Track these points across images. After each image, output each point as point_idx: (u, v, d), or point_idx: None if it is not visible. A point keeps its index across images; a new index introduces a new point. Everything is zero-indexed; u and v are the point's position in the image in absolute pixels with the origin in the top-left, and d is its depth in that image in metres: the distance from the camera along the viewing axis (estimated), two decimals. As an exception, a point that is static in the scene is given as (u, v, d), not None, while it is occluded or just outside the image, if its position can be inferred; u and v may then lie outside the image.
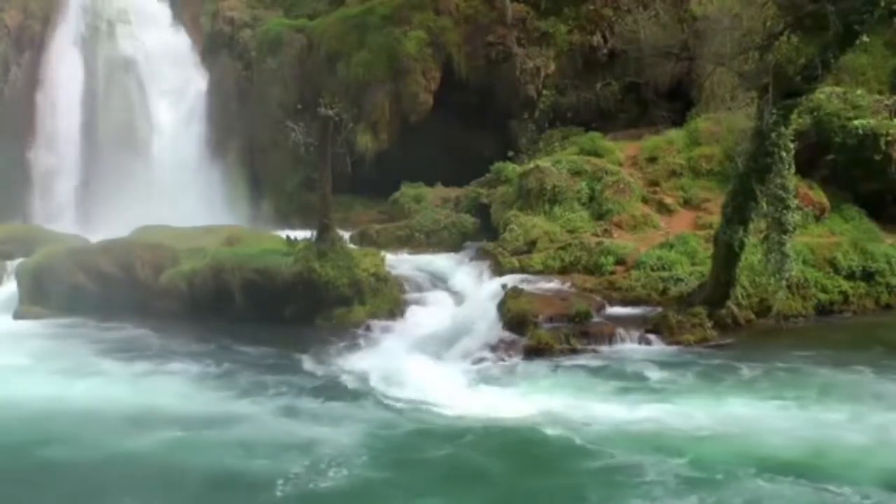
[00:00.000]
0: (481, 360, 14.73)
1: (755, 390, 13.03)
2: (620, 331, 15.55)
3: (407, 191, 25.38)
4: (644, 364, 14.34)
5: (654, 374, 13.85)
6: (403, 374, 13.86)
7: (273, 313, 17.66)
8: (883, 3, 13.89)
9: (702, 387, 13.25)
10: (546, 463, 10.73)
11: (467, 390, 13.29)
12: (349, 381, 13.92)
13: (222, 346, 16.15)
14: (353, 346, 15.75)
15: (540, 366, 14.41)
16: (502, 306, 16.38)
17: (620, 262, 18.31)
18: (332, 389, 13.56)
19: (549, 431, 11.48)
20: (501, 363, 14.63)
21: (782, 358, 14.40)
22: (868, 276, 17.75)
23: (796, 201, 15.37)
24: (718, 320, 15.90)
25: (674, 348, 15.10)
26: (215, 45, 30.97)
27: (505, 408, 12.34)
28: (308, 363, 15.01)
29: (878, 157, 19.88)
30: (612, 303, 16.98)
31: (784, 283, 15.62)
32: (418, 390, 13.17)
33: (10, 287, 19.64)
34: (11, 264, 20.19)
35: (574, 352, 14.92)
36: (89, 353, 15.94)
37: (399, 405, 12.68)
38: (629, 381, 13.58)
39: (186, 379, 14.26)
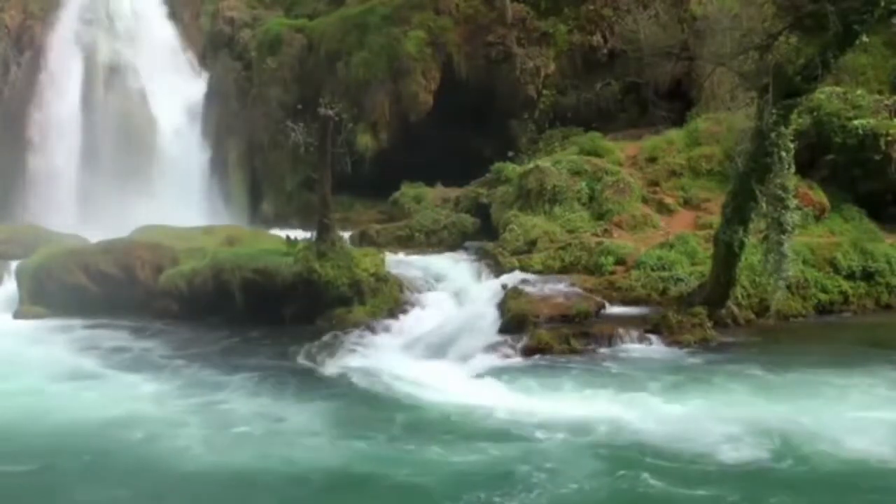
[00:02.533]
0: (481, 360, 14.68)
1: (824, 387, 12.66)
2: (620, 331, 15.51)
3: (407, 191, 25.38)
4: (660, 363, 14.23)
5: (681, 374, 13.62)
6: (404, 376, 13.82)
7: (273, 313, 17.64)
8: (883, 3, 13.88)
9: (747, 388, 12.84)
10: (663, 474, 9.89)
11: (469, 390, 13.22)
12: (352, 383, 13.82)
13: (224, 348, 16.15)
14: (354, 347, 15.64)
15: (542, 366, 14.33)
16: (502, 306, 16.37)
17: (620, 262, 18.30)
18: (337, 392, 13.42)
19: (583, 437, 11.08)
20: (502, 363, 14.57)
21: (808, 356, 14.21)
22: (868, 276, 17.74)
23: (796, 201, 15.35)
24: (718, 320, 15.89)
25: (675, 348, 15.04)
26: (215, 45, 31.02)
27: (513, 408, 12.21)
28: (309, 365, 14.93)
29: (878, 157, 19.87)
30: (612, 303, 16.96)
31: (782, 283, 15.60)
32: (420, 392, 13.09)
33: (11, 287, 19.63)
34: (12, 264, 20.17)
35: (574, 352, 14.89)
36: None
37: (403, 408, 12.54)
38: (658, 380, 13.25)
39: (194, 384, 13.98)
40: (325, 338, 16.12)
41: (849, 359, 14.04)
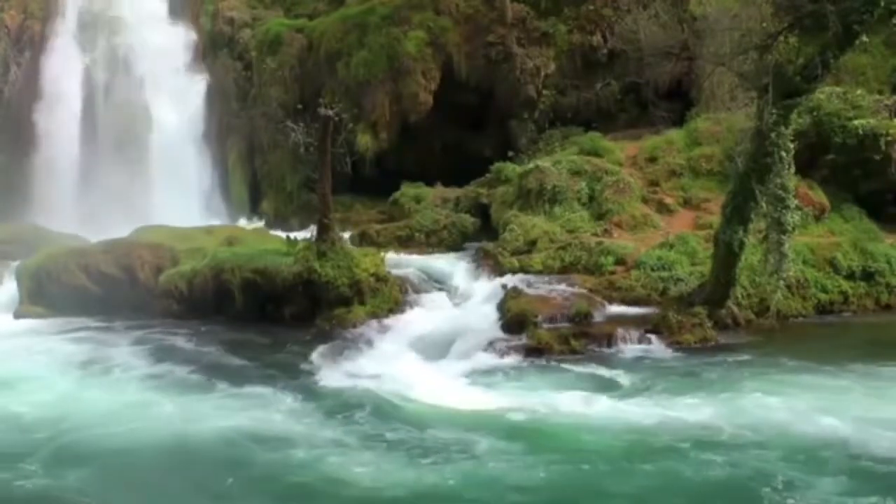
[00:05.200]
0: (481, 360, 14.67)
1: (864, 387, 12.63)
2: (620, 331, 15.48)
3: (407, 191, 25.39)
4: (670, 363, 14.18)
5: (692, 374, 13.54)
6: (405, 376, 13.77)
7: (273, 313, 17.68)
8: (883, 3, 13.88)
9: (772, 389, 12.65)
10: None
11: (470, 391, 13.21)
12: (353, 384, 13.68)
13: (225, 349, 16.06)
14: (354, 347, 15.63)
15: (543, 366, 14.30)
16: (502, 306, 16.37)
17: (620, 262, 18.30)
18: (338, 394, 13.26)
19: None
20: (502, 363, 14.55)
21: (826, 354, 14.11)
22: (868, 276, 17.75)
23: (796, 201, 15.34)
24: (718, 320, 15.89)
25: (675, 348, 15.02)
26: (215, 45, 31.03)
27: (516, 409, 12.15)
28: (309, 366, 14.82)
29: (878, 157, 19.87)
30: (612, 303, 16.96)
31: (782, 282, 15.61)
32: (421, 392, 13.02)
33: (11, 287, 19.63)
34: (12, 264, 20.17)
35: (574, 352, 14.88)
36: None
37: (405, 408, 12.45)
38: (678, 381, 13.15)
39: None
40: (325, 338, 16.09)
41: (868, 356, 13.91)
